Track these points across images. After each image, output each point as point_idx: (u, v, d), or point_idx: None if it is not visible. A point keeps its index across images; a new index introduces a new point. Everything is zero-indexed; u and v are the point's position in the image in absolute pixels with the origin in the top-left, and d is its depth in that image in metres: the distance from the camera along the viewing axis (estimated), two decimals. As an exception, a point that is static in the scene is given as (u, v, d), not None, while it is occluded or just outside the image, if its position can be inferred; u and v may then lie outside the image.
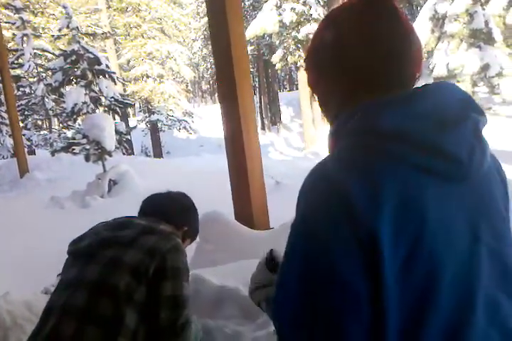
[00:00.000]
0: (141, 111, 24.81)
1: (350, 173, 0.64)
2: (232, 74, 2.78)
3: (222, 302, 1.98)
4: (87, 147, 7.09)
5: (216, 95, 47.28)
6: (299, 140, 22.95)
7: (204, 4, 31.21)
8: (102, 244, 1.30)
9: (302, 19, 18.21)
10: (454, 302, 0.65)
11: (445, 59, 12.63)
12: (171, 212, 1.49)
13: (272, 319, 0.69)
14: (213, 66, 26.70)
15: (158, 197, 1.56)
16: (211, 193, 6.14)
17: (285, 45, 19.13)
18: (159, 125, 21.19)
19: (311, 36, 14.25)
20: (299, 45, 18.79)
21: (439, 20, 12.97)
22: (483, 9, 12.37)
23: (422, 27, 12.52)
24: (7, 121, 16.30)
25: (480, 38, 12.38)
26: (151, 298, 1.24)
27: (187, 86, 27.39)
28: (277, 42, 19.80)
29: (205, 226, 2.93)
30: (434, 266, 0.63)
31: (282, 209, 4.03)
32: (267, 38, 23.16)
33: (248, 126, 2.85)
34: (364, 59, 0.72)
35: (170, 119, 21.41)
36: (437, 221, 0.64)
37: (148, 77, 20.85)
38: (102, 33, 20.09)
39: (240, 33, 2.88)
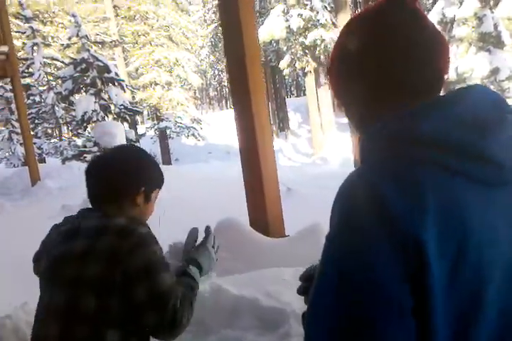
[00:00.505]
0: (149, 118, 24.96)
1: (388, 182, 0.62)
2: (245, 80, 2.78)
3: (241, 312, 1.95)
4: (98, 155, 7.11)
5: (224, 101, 47.52)
6: (307, 146, 22.92)
7: (210, 11, 31.47)
8: (60, 261, 1.19)
9: (309, 25, 18.26)
10: (500, 315, 0.63)
11: (454, 63, 12.58)
12: (119, 184, 1.27)
13: (305, 334, 0.67)
14: (220, 73, 26.92)
15: (98, 168, 1.30)
16: (223, 200, 6.14)
17: (292, 50, 19.17)
18: (168, 132, 21.28)
19: (318, 42, 14.29)
20: (307, 51, 18.83)
21: (447, 24, 12.93)
22: (492, 12, 12.31)
23: (430, 31, 12.46)
24: (17, 130, 16.49)
25: (489, 41, 12.32)
26: (129, 306, 1.14)
27: (195, 93, 27.52)
28: (285, 48, 19.85)
29: (219, 234, 2.90)
30: (479, 277, 0.61)
31: (295, 216, 4.01)
32: (274, 44, 23.24)
33: (263, 133, 2.84)
34: (385, 68, 0.71)
35: (178, 126, 21.51)
36: (480, 229, 0.62)
37: (156, 84, 20.99)
38: (111, 41, 20.30)
39: (252, 37, 2.89)
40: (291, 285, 2.15)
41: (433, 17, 13.05)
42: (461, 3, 12.56)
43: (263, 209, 2.87)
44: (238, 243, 2.67)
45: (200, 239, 1.55)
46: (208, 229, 1.51)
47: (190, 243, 1.52)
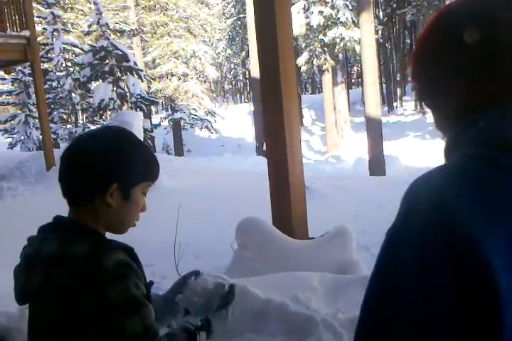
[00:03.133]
0: (164, 108, 24.97)
1: (459, 186, 0.54)
2: (277, 73, 2.73)
3: (268, 317, 1.89)
4: (115, 144, 7.09)
5: (238, 95, 47.35)
6: (320, 143, 22.80)
7: (230, 5, 31.31)
8: (22, 300, 1.04)
9: (330, 23, 18.07)
10: None
11: None
12: (80, 180, 1.02)
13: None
14: (236, 67, 26.84)
15: (63, 159, 1.05)
16: (241, 193, 6.09)
17: (311, 48, 19.00)
18: (182, 123, 21.29)
19: (337, 40, 13.95)
20: (325, 49, 18.65)
21: None
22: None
23: None
24: (34, 114, 16.54)
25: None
26: None
27: (210, 85, 27.45)
28: (303, 45, 19.68)
29: (243, 233, 2.85)
30: None
31: (316, 216, 3.94)
32: (293, 41, 23.10)
33: (291, 131, 2.77)
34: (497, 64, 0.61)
35: (192, 118, 21.50)
36: None
37: (172, 75, 20.96)
38: (130, 31, 20.28)
39: (287, 34, 2.83)
40: (320, 291, 2.09)
41: None
42: None
43: (288, 208, 2.81)
44: (262, 243, 2.61)
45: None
46: (232, 289, 1.31)
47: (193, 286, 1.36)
